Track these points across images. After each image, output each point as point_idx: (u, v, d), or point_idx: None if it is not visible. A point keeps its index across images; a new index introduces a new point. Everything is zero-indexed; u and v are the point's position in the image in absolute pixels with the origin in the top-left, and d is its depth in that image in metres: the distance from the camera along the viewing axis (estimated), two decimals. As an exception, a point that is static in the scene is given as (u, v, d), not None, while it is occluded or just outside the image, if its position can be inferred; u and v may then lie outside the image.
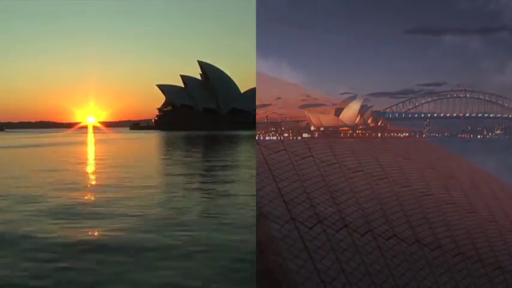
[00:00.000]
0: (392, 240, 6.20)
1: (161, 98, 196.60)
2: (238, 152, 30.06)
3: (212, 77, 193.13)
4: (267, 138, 6.91)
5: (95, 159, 38.05)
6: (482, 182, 8.33)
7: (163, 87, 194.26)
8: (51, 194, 17.07)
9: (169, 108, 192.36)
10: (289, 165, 6.52)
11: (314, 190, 6.32)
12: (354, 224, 6.14)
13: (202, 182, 20.45)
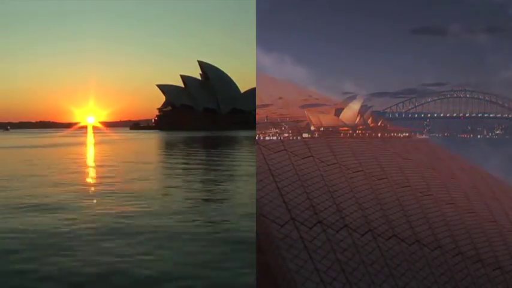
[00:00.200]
0: (392, 240, 6.20)
1: (161, 98, 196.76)
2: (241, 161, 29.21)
3: (212, 77, 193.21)
4: (267, 138, 6.91)
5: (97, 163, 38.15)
6: (482, 182, 8.33)
7: (163, 87, 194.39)
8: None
9: (169, 108, 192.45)
10: (289, 165, 6.52)
11: (314, 190, 6.32)
12: (354, 224, 6.14)
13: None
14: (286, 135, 6.97)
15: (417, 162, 7.77)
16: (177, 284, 8.20)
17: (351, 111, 8.50)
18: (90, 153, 42.92)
